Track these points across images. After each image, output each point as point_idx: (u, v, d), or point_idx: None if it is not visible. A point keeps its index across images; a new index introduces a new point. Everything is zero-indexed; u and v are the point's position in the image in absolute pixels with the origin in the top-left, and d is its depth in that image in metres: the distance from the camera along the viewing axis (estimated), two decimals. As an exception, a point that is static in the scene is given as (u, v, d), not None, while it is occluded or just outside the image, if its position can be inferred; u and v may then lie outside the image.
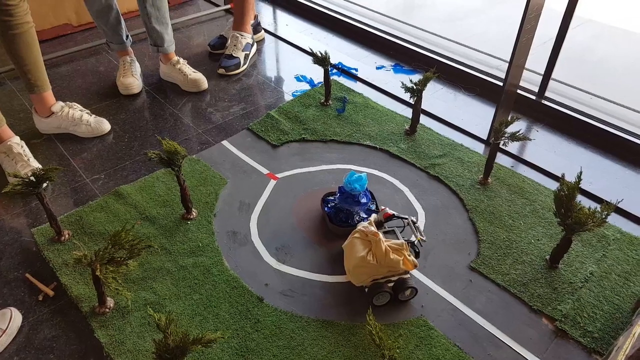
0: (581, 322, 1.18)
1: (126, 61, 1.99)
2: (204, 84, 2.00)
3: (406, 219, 1.30)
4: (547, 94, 1.89)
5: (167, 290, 1.24)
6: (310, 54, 1.81)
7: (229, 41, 2.16)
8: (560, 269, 1.30)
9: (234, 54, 2.11)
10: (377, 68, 2.18)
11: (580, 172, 1.16)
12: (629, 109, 1.83)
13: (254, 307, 1.20)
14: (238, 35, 2.13)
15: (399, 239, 1.22)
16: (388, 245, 1.16)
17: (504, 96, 1.66)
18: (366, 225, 1.21)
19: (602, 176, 1.60)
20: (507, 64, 1.58)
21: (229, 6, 2.63)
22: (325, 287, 1.26)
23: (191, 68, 2.02)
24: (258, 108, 1.93)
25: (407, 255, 1.17)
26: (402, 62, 2.21)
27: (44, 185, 1.31)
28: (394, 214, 1.27)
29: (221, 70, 2.10)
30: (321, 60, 1.78)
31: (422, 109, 1.76)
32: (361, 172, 1.39)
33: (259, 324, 1.17)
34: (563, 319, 1.18)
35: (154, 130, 1.80)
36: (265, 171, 1.61)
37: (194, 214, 1.43)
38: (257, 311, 1.20)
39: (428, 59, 2.16)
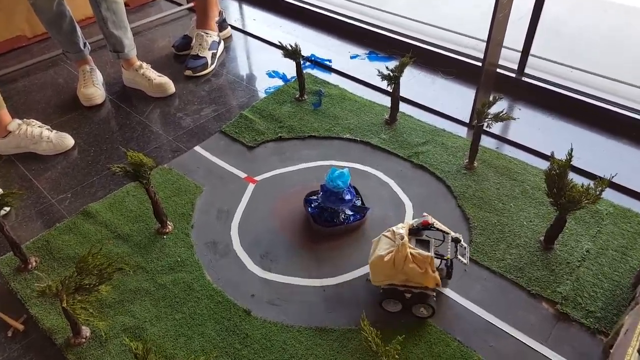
0: (582, 303, 1.13)
1: (86, 70, 1.88)
2: (171, 87, 1.91)
3: (448, 234, 1.14)
4: (526, 70, 1.85)
5: (146, 312, 1.15)
6: (281, 47, 1.73)
7: (194, 41, 2.06)
8: (556, 249, 1.26)
9: (200, 54, 2.02)
10: (352, 57, 2.11)
11: (571, 149, 1.10)
12: (610, 79, 1.79)
13: (241, 322, 1.13)
14: (203, 33, 2.03)
15: (429, 252, 1.09)
16: (412, 253, 1.05)
17: (483, 76, 1.61)
18: (399, 226, 1.11)
19: (588, 150, 1.56)
20: (485, 43, 1.53)
21: (191, 4, 2.53)
22: (315, 292, 1.19)
23: (156, 72, 1.92)
24: (230, 109, 1.84)
25: (429, 270, 1.06)
26: (377, 50, 2.14)
27: (3, 212, 1.22)
28: (432, 224, 1.12)
29: (188, 72, 2.00)
30: (292, 53, 1.70)
31: (400, 96, 1.70)
32: (343, 167, 1.32)
33: (248, 338, 1.10)
34: (563, 301, 1.14)
35: (121, 142, 1.70)
36: (242, 175, 1.53)
37: (170, 227, 1.35)
38: (245, 325, 1.12)
39: (404, 44, 2.09)
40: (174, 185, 1.49)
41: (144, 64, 1.91)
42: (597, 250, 1.25)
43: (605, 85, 1.77)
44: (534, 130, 1.65)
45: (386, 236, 1.11)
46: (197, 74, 2.01)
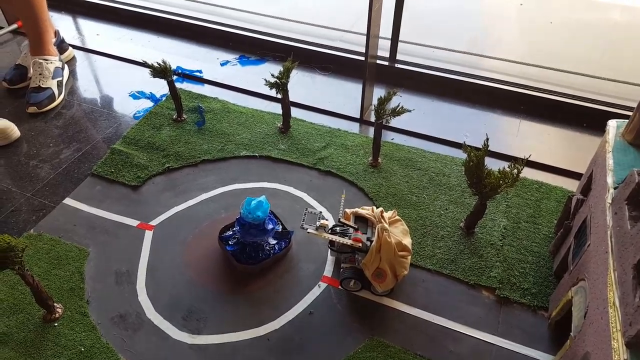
0: (516, 282, 1.16)
1: None
2: (14, 132, 1.55)
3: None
4: (398, 57, 1.88)
5: None
6: (146, 66, 1.50)
7: (32, 70, 1.70)
8: (477, 232, 1.28)
9: (42, 85, 1.67)
10: (222, 64, 1.94)
11: (487, 139, 1.11)
12: (471, 54, 1.91)
13: (181, 404, 0.95)
14: (42, 60, 1.69)
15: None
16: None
17: (367, 70, 1.58)
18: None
19: (470, 125, 1.63)
20: (365, 37, 1.50)
21: (16, 25, 2.09)
22: (260, 344, 1.05)
23: (-12, 116, 1.55)
24: (96, 145, 1.56)
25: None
26: (247, 53, 2.00)
27: None
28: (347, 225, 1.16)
29: (32, 109, 1.65)
30: (161, 71, 1.49)
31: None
32: (248, 189, 1.19)
33: (195, 423, 0.93)
34: (500, 286, 1.16)
35: (-40, 213, 1.34)
36: (134, 223, 1.30)
37: (59, 310, 1.08)
38: (188, 407, 0.95)
39: (273, 44, 1.98)
40: (49, 255, 1.20)
41: (-31, 108, 1.53)
42: (512, 225, 1.30)
43: (467, 60, 1.88)
44: (417, 115, 1.67)
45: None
46: (44, 109, 1.67)
